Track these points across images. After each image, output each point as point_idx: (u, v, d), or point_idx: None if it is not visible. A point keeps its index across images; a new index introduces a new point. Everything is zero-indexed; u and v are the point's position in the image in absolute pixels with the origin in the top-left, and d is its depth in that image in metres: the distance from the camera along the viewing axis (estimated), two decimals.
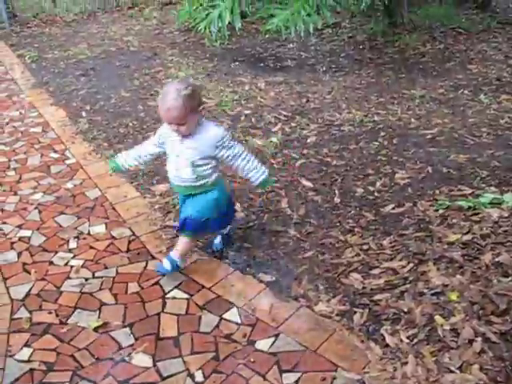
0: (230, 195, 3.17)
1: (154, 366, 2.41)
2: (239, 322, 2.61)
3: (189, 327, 2.60)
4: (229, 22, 6.09)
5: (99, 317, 2.73)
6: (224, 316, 2.66)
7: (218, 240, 3.18)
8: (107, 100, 5.55)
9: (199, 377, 2.34)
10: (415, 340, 2.43)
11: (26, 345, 2.59)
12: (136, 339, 2.56)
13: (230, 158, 2.78)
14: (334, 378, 2.28)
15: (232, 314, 2.66)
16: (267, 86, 5.54)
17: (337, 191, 3.59)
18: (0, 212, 3.74)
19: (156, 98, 5.42)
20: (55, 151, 4.58)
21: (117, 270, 3.06)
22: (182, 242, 2.94)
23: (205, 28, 6.30)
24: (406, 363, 2.32)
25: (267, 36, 7.31)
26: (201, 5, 7.33)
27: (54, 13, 9.88)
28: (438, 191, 3.52)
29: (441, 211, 3.28)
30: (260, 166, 2.88)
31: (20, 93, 6.10)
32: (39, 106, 5.63)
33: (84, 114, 5.24)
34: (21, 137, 4.93)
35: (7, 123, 5.26)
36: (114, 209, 3.65)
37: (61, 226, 3.51)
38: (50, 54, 7.51)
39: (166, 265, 2.91)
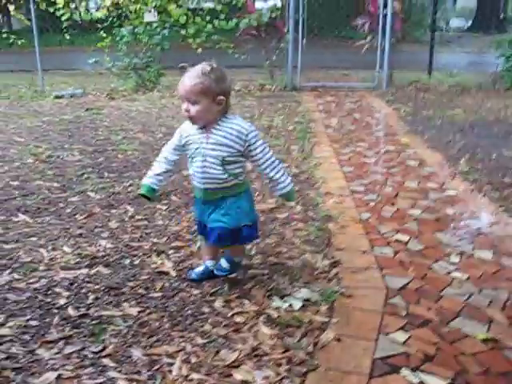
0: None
1: None
2: None
3: None
4: None
5: (488, 330, 2.40)
6: None
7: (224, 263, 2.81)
8: (487, 154, 5.26)
9: None
10: None
11: (402, 329, 2.43)
12: None
13: (256, 156, 2.56)
14: None
15: None
16: None
17: None
18: (376, 215, 3.74)
19: None
20: (432, 181, 4.47)
21: (510, 295, 2.70)
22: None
23: None
24: None
25: None
26: None
27: (429, 82, 10.17)
28: None
29: None
30: (286, 176, 2.66)
31: (395, 135, 6.25)
32: (414, 146, 5.66)
33: (462, 160, 5.05)
34: (396, 165, 4.98)
35: (384, 153, 5.41)
36: (502, 242, 3.31)
37: (440, 241, 3.33)
38: (424, 112, 7.60)
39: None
